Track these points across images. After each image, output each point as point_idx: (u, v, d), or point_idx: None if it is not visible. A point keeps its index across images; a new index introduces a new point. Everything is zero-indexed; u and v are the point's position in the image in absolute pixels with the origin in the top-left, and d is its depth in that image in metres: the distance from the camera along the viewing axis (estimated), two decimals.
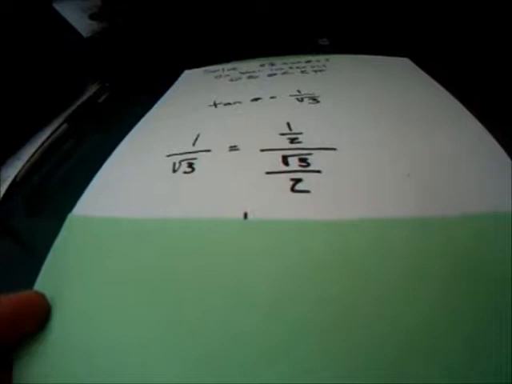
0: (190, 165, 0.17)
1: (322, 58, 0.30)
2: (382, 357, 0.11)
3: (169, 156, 0.19)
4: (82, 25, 0.45)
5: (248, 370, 0.11)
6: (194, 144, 0.19)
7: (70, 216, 0.17)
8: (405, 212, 0.14)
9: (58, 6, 0.42)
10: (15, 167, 0.31)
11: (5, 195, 0.28)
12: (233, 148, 0.18)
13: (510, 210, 0.14)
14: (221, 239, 0.14)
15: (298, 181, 0.15)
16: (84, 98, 0.40)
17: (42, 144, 0.33)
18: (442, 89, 0.23)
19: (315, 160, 0.16)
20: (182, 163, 0.18)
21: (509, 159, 0.16)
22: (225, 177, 0.16)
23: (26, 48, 0.36)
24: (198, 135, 0.20)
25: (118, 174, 0.20)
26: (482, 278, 0.12)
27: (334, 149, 0.17)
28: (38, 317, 0.13)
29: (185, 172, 0.17)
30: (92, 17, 0.46)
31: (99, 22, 0.46)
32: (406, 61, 0.29)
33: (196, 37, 0.40)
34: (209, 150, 0.18)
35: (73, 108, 0.38)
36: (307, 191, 0.14)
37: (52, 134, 0.35)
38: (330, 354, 0.11)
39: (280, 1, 0.36)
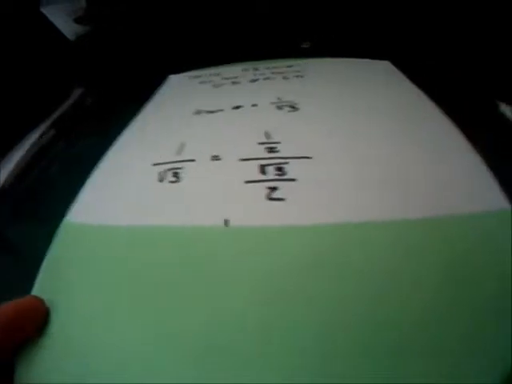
0: (176, 174, 0.19)
1: (303, 62, 0.31)
2: (374, 358, 0.12)
3: (155, 165, 0.20)
4: (67, 28, 0.46)
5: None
6: (178, 153, 0.21)
7: (64, 223, 0.19)
8: (376, 216, 0.15)
9: (44, 10, 0.43)
10: (3, 174, 0.32)
11: None
12: (215, 158, 0.19)
13: (497, 208, 0.15)
14: (204, 245, 0.15)
15: (273, 189, 0.16)
16: (69, 101, 0.41)
17: (30, 150, 0.34)
18: (420, 93, 0.25)
19: (291, 169, 0.17)
20: (168, 172, 0.19)
21: (480, 159, 0.18)
22: (208, 186, 0.18)
23: (12, 52, 0.36)
24: (182, 144, 0.21)
25: (107, 182, 0.21)
26: (469, 277, 0.13)
27: (310, 157, 0.18)
28: (38, 321, 0.14)
29: (170, 181, 0.18)
30: (77, 20, 0.47)
31: (84, 26, 0.47)
32: (387, 64, 0.30)
33: (180, 40, 0.42)
34: (193, 160, 0.20)
35: (59, 112, 0.39)
36: (282, 199, 0.16)
37: (39, 139, 0.36)
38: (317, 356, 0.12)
39: (264, 5, 0.38)
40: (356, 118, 0.22)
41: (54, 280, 0.16)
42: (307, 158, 0.18)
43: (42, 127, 0.37)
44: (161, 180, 0.19)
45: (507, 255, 0.13)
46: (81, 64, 0.44)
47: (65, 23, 0.46)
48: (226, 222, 0.15)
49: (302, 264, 0.14)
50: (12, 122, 0.34)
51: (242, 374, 0.12)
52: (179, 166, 0.19)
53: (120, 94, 0.40)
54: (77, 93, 0.42)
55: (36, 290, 0.16)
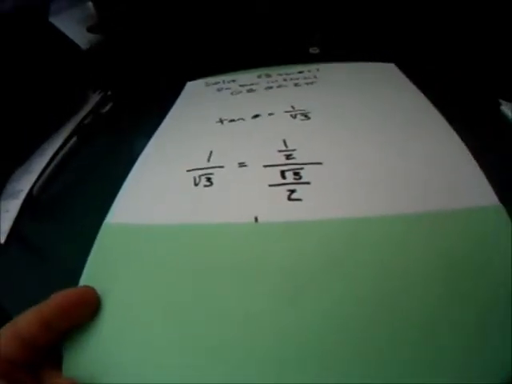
0: (209, 179, 0.24)
1: (313, 67, 0.36)
2: (381, 358, 0.14)
3: (189, 171, 0.25)
4: (80, 37, 0.50)
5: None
6: (208, 160, 0.26)
7: (106, 223, 0.23)
8: (382, 211, 0.20)
9: (55, 21, 0.47)
10: (27, 180, 0.34)
11: (21, 208, 0.33)
12: (241, 164, 0.24)
13: (491, 203, 0.19)
14: (239, 238, 0.20)
15: (292, 191, 0.21)
16: (88, 107, 0.45)
17: (54, 156, 0.39)
18: (422, 96, 0.29)
19: (306, 173, 0.22)
20: (202, 178, 0.24)
21: (475, 163, 0.22)
22: (238, 189, 0.23)
23: (27, 63, 0.40)
24: (211, 152, 0.26)
25: (145, 186, 0.25)
26: (471, 273, 0.16)
27: (321, 163, 0.23)
28: (91, 309, 0.17)
29: (205, 185, 0.24)
30: (89, 29, 0.52)
31: (96, 35, 0.51)
32: (391, 67, 0.35)
33: (193, 45, 0.46)
34: (222, 167, 0.25)
35: (78, 118, 0.43)
36: (299, 199, 0.21)
37: (63, 145, 0.40)
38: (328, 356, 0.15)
39: (274, 12, 0.42)
40: (361, 125, 0.26)
41: (100, 277, 0.20)
42: (319, 163, 0.23)
43: (63, 134, 0.41)
44: (196, 184, 0.24)
45: (507, 249, 0.17)
46: (96, 71, 0.48)
47: (77, 32, 0.50)
48: (256, 219, 0.21)
49: (320, 254, 0.18)
50: (29, 128, 0.38)
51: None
52: (211, 172, 0.24)
53: (138, 100, 0.44)
54: (94, 99, 0.47)
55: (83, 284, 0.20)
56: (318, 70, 0.36)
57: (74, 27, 0.52)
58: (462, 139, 0.24)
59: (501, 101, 0.30)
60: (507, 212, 0.19)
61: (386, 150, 0.24)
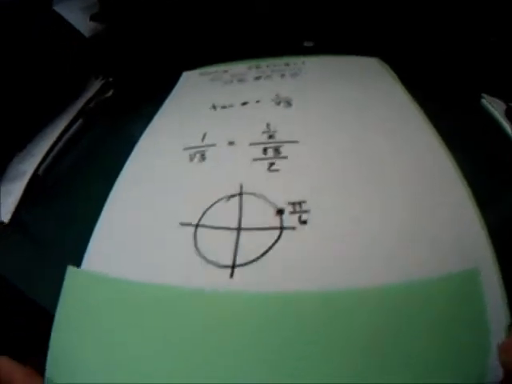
0: (202, 155, 0.29)
1: (299, 60, 0.41)
2: None
3: (185, 149, 0.30)
4: (83, 25, 0.53)
5: None
6: (202, 140, 0.30)
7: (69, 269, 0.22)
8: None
9: (59, 8, 0.50)
10: (30, 162, 0.35)
11: (26, 189, 0.32)
12: (231, 143, 0.29)
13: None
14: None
15: (272, 164, 0.26)
16: (89, 93, 0.48)
17: (57, 141, 0.39)
18: (402, 92, 0.32)
19: (284, 150, 0.27)
20: (197, 154, 0.29)
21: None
22: (227, 163, 0.27)
23: (31, 50, 0.42)
24: (205, 133, 0.31)
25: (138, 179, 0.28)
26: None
27: (297, 141, 0.28)
28: None
29: (199, 160, 0.28)
30: (92, 18, 0.55)
31: (100, 23, 0.54)
32: (376, 60, 0.39)
33: (191, 37, 0.49)
34: (214, 145, 0.29)
35: (80, 104, 0.46)
36: (277, 170, 0.26)
37: (65, 130, 0.41)
38: None
39: (274, 6, 0.45)
40: (337, 112, 0.31)
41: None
42: (295, 142, 0.28)
43: (66, 119, 0.43)
44: (191, 160, 0.28)
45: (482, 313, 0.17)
46: (98, 58, 0.51)
47: (80, 20, 0.53)
48: (241, 187, 0.25)
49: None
50: (31, 112, 0.39)
51: None
52: (204, 150, 0.29)
53: (138, 87, 0.47)
54: (96, 85, 0.49)
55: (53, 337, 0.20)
56: (303, 62, 0.40)
57: (77, 15, 0.53)
58: (442, 131, 0.27)
59: (483, 95, 0.32)
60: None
61: (359, 141, 0.28)
